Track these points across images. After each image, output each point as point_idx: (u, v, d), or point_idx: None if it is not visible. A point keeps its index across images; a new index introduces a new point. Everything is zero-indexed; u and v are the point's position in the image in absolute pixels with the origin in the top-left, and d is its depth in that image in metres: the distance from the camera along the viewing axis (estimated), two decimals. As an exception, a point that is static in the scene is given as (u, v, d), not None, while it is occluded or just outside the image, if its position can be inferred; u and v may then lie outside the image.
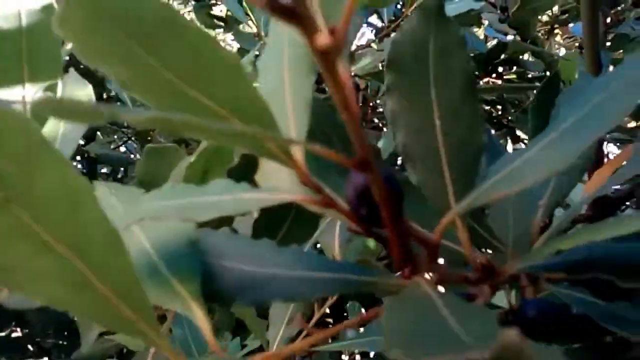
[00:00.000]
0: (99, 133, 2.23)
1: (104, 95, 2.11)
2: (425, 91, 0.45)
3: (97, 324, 0.31)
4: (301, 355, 0.92)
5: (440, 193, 0.42)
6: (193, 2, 2.05)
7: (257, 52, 1.32)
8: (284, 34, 0.38)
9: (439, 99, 0.44)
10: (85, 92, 0.63)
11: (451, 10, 1.29)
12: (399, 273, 0.33)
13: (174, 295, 0.35)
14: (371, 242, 0.76)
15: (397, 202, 0.30)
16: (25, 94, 0.52)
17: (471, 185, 0.43)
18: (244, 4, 1.59)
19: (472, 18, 1.37)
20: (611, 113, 0.30)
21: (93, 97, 0.63)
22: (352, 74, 1.44)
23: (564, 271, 0.37)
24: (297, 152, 0.33)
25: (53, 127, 0.62)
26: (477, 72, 1.55)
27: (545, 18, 1.70)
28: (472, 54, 1.47)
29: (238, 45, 1.64)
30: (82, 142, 1.98)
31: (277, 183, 0.36)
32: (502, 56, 1.47)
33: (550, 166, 0.31)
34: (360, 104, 1.60)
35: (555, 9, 1.61)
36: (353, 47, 1.47)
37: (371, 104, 1.58)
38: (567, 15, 1.56)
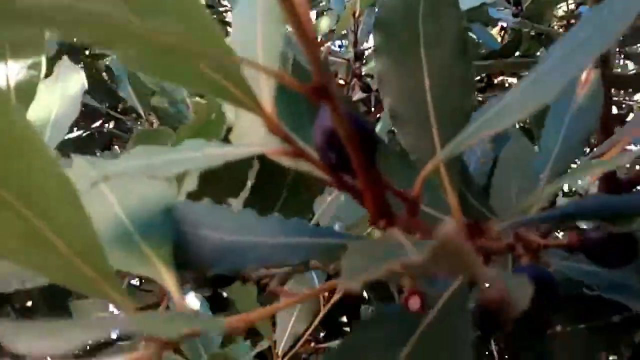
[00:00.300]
0: (116, 147, 2.23)
1: (119, 107, 2.12)
2: (415, 52, 0.43)
3: (54, 280, 0.29)
4: (308, 352, 0.89)
5: (429, 154, 0.40)
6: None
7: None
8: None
9: (428, 59, 0.43)
10: (77, 77, 0.62)
11: (463, 4, 1.27)
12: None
13: (143, 259, 0.34)
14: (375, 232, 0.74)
15: (367, 145, 0.28)
16: (8, 72, 0.51)
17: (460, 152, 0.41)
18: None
19: (484, 13, 1.35)
20: (592, 45, 0.28)
21: (85, 84, 0.62)
22: (364, 73, 1.42)
23: (552, 222, 0.34)
24: (265, 100, 0.31)
25: (44, 115, 0.61)
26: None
27: (560, 13, 1.67)
28: (485, 52, 1.44)
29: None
30: (98, 154, 1.98)
31: (250, 139, 0.35)
32: (517, 53, 1.44)
33: (529, 105, 0.28)
34: (373, 107, 1.58)
35: (572, 3, 1.58)
36: (364, 47, 1.46)
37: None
38: (583, 9, 1.53)
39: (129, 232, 0.35)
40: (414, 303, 0.32)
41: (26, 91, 0.52)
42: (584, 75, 0.53)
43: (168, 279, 0.33)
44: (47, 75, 0.62)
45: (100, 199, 0.38)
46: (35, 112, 0.61)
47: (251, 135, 0.35)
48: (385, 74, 0.43)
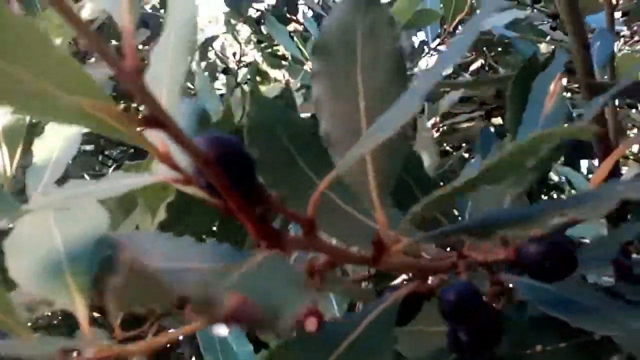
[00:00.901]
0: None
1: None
2: (352, 74, 0.43)
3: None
4: None
5: (362, 177, 0.40)
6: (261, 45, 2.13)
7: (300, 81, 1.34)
8: (174, 19, 0.38)
9: (364, 82, 0.43)
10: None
11: (496, 20, 1.25)
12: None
13: (62, 287, 0.36)
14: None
15: (230, 166, 0.29)
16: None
17: (394, 168, 0.41)
18: (295, 39, 1.62)
19: (522, 28, 1.32)
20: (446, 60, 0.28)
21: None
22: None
23: (436, 240, 0.34)
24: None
25: (47, 155, 0.65)
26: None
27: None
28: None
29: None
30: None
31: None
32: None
33: (405, 113, 0.29)
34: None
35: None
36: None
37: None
38: (626, 18, 1.47)
39: (59, 262, 0.37)
40: (311, 324, 0.32)
41: (13, 134, 0.55)
42: (551, 87, 0.52)
43: (80, 309, 0.34)
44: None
45: (46, 228, 0.40)
46: (40, 153, 0.65)
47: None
48: (321, 98, 0.43)
